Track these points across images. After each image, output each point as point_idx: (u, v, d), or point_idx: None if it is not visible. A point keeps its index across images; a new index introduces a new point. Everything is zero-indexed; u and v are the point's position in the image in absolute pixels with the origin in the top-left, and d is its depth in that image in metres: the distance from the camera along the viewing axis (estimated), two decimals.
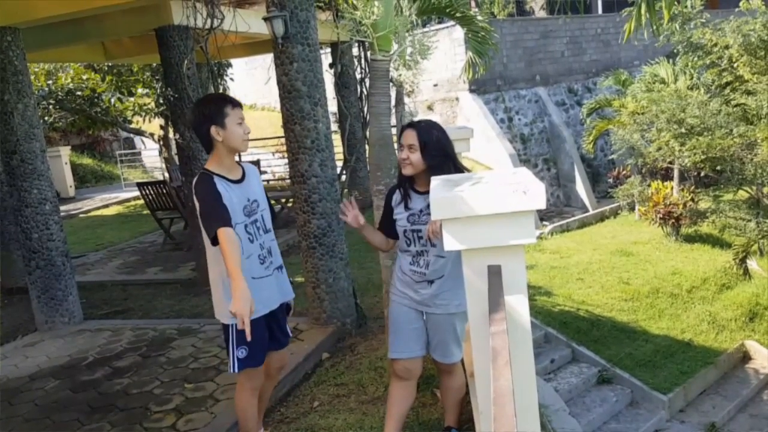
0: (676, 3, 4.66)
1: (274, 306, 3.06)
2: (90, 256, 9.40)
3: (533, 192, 1.90)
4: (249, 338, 2.46)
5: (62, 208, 7.51)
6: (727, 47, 10.98)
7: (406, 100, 13.05)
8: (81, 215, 14.28)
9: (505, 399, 1.26)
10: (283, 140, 5.46)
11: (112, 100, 13.59)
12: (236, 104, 2.87)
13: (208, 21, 5.85)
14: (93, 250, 9.83)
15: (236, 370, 2.97)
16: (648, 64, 14.24)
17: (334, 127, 9.07)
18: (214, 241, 2.63)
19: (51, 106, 13.69)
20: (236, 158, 3.04)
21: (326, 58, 8.74)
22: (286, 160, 5.73)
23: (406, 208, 3.06)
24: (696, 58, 12.14)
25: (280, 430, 3.76)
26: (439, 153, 2.99)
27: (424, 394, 3.91)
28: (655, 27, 5.33)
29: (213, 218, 2.67)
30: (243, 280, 2.49)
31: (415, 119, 3.28)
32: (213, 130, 2.81)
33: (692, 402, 8.31)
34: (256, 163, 10.34)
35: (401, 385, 3.17)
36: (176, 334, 5.47)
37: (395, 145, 3.97)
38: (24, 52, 5.70)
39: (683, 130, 10.77)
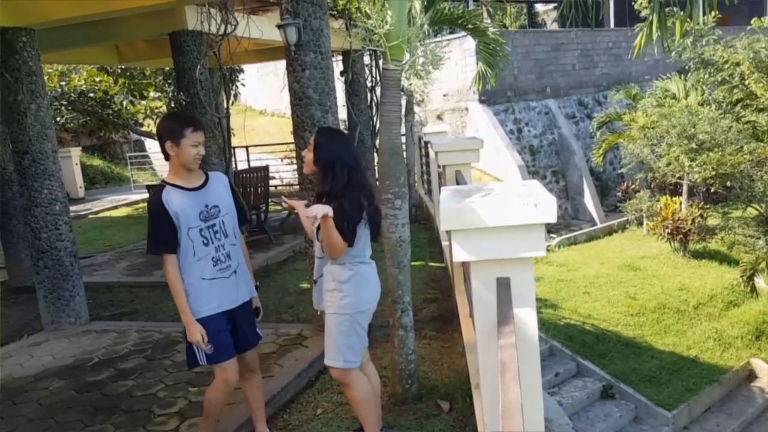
0: (687, 20, 4.65)
1: (228, 306, 3.20)
2: (98, 257, 9.44)
3: (544, 205, 1.90)
4: (206, 347, 3.08)
5: (71, 208, 7.52)
6: (738, 64, 10.97)
7: (416, 109, 13.10)
8: (90, 216, 14.35)
9: (514, 413, 1.26)
10: (292, 146, 5.47)
11: (124, 103, 13.74)
12: (198, 128, 3.09)
13: (222, 27, 5.91)
14: (101, 251, 9.87)
15: (204, 362, 3.17)
16: (659, 79, 14.24)
17: None
18: (151, 252, 3.09)
19: (63, 107, 13.82)
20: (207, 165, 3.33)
21: (337, 65, 8.78)
22: (295, 167, 5.75)
23: None
24: (707, 75, 12.15)
25: None
26: (327, 156, 3.07)
27: (427, 405, 3.90)
28: (666, 43, 5.32)
29: (157, 239, 3.07)
30: (188, 315, 3.05)
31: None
32: (168, 144, 3.04)
33: (697, 419, 8.25)
34: (265, 168, 10.38)
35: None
36: (181, 337, 5.41)
37: (405, 155, 3.99)
38: (39, 53, 5.73)
39: (693, 146, 10.76)
